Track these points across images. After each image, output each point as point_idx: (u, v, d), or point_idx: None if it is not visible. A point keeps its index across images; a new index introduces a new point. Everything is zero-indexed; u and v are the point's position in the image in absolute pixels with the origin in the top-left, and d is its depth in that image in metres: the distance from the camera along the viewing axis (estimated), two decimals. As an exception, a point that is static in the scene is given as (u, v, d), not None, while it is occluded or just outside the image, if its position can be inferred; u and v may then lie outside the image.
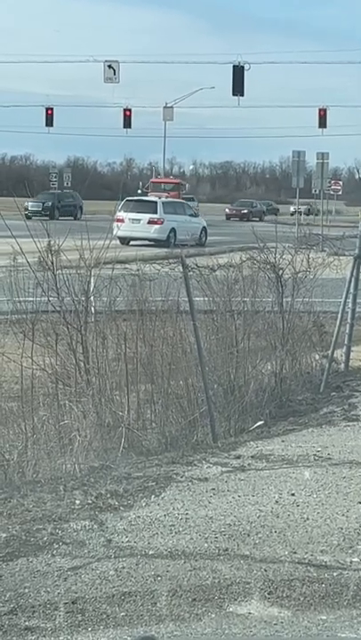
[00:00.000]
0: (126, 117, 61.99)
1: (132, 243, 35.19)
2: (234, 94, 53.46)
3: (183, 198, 54.18)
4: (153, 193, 54.71)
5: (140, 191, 59.87)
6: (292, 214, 70.99)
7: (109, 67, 56.77)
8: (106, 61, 56.99)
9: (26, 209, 44.01)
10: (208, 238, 42.22)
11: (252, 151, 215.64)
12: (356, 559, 6.38)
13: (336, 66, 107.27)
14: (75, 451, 8.57)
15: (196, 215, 45.01)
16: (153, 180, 67.99)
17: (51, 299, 9.59)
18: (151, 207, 41.29)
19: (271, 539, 6.69)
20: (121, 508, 7.23)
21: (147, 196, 50.51)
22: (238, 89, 53.22)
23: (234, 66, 52.82)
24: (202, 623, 5.42)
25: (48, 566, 6.12)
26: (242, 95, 53.61)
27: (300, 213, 69.27)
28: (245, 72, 52.81)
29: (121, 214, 38.39)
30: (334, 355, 12.23)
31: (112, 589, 5.79)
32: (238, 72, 52.85)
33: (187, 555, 6.34)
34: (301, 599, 5.75)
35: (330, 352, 12.09)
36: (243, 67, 52.84)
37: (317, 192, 51.08)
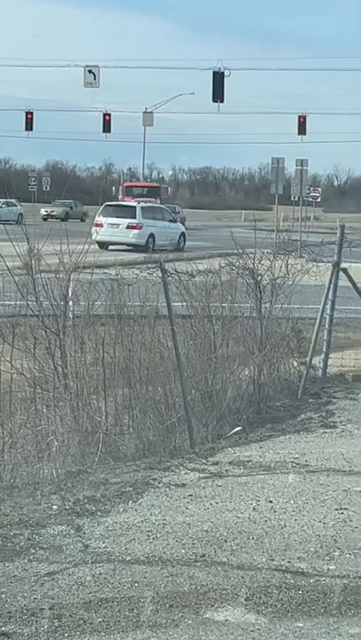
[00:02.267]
0: (106, 122, 62.11)
1: (110, 247, 35.19)
2: (214, 100, 53.59)
3: (167, 206, 53.20)
4: (127, 198, 54.42)
5: (119, 196, 59.53)
6: (44, 218, 62.07)
7: (90, 71, 56.78)
8: (86, 66, 57.01)
9: None
10: (186, 243, 42.37)
11: (231, 157, 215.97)
12: (332, 566, 6.38)
13: (316, 73, 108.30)
14: (52, 455, 8.55)
15: (175, 221, 45.03)
16: (127, 183, 67.26)
17: (29, 302, 9.55)
18: (130, 212, 41.30)
19: (248, 545, 6.68)
20: (98, 513, 7.21)
21: (119, 201, 50.18)
22: (218, 95, 53.34)
23: (214, 72, 52.99)
24: (179, 630, 5.40)
25: (25, 571, 6.10)
26: (222, 101, 53.76)
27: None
28: (225, 78, 52.98)
29: (100, 219, 38.42)
30: (312, 361, 12.25)
31: (89, 595, 5.78)
32: (218, 78, 52.97)
33: (164, 561, 6.33)
34: (278, 606, 5.75)
35: (308, 358, 12.09)
36: (223, 73, 53.00)
37: (296, 199, 51.12)
